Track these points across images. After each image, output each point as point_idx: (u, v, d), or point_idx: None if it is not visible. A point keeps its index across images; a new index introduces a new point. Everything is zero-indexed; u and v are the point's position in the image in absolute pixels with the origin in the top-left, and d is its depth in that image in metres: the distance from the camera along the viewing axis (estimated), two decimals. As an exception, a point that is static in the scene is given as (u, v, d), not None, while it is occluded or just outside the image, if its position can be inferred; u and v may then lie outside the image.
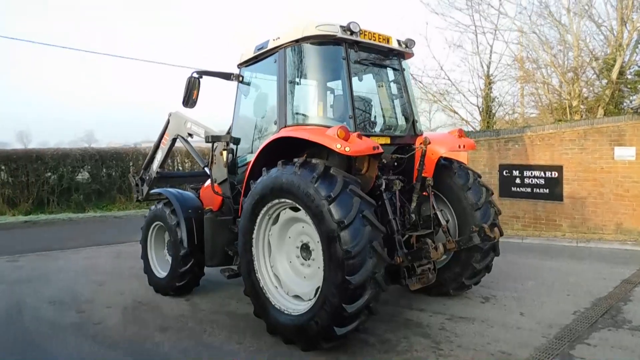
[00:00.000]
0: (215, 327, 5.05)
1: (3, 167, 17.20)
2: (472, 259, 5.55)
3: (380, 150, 4.54)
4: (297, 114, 5.01)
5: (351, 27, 4.94)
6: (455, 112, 13.85)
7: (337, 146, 4.22)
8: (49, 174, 17.79)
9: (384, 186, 4.94)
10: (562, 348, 4.28)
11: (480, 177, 5.86)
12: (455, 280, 5.70)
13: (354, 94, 5.06)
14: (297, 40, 5.01)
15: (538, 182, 9.80)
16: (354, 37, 5.04)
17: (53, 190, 17.05)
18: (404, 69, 5.76)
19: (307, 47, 5.03)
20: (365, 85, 5.79)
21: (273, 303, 4.62)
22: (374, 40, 5.28)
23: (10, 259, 9.26)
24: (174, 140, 7.22)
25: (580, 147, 9.23)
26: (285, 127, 4.93)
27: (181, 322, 5.25)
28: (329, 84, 5.56)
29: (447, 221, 5.53)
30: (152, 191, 7.11)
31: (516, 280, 6.63)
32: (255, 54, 5.56)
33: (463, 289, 5.81)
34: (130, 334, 4.94)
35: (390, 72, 5.78)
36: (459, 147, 5.59)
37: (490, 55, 13.18)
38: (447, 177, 5.70)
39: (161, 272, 6.44)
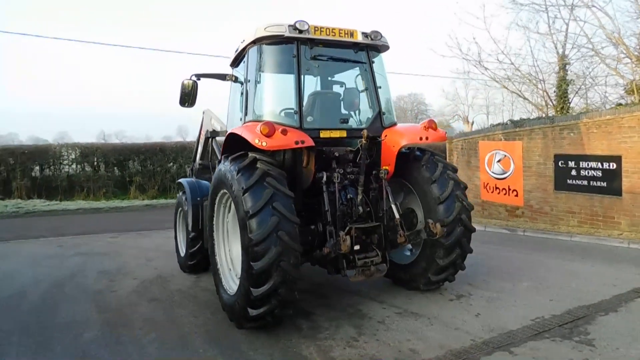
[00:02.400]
0: (190, 302, 5.66)
1: (135, 158, 20.13)
2: (435, 254, 5.34)
3: (306, 144, 4.67)
4: (255, 111, 5.32)
5: (297, 25, 5.10)
6: (524, 98, 12.55)
7: (256, 141, 4.49)
8: (170, 164, 20.36)
9: (325, 179, 5.02)
10: (476, 353, 4.03)
11: (452, 169, 5.56)
12: (422, 275, 5.54)
13: (307, 89, 5.24)
14: (254, 42, 5.32)
15: (595, 174, 8.59)
16: (304, 35, 5.17)
17: (174, 178, 19.36)
18: (372, 62, 5.68)
19: (264, 48, 5.31)
20: (325, 80, 5.86)
21: (223, 283, 5.06)
22: (333, 36, 5.33)
23: (112, 235, 11.09)
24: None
25: (642, 135, 7.88)
26: (245, 123, 5.29)
27: (171, 295, 5.97)
28: (284, 82, 5.72)
29: (401, 214, 5.31)
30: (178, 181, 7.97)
31: (513, 280, 6.15)
32: (235, 55, 5.97)
33: (432, 284, 5.60)
34: (125, 301, 5.77)
35: (355, 66, 5.74)
36: (421, 139, 5.39)
37: (566, 35, 11.65)
38: (416, 170, 5.54)
39: (183, 252, 7.28)
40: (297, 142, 4.61)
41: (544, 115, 11.79)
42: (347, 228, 4.94)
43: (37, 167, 19.00)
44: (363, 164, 5.10)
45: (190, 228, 6.63)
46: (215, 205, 5.23)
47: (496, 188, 10.55)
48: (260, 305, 4.33)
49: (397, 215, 5.18)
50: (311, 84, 5.77)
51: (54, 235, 11.29)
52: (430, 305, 5.30)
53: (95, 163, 19.52)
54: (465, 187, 5.59)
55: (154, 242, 9.96)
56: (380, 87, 5.86)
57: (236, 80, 6.23)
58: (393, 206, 5.25)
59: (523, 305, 5.18)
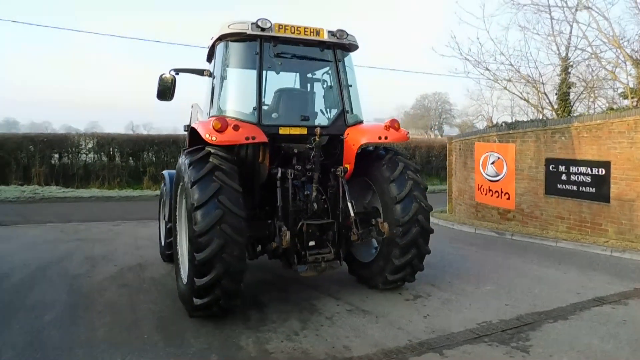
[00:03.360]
0: (156, 290, 5.84)
1: (149, 149, 20.62)
2: (391, 254, 5.36)
3: (257, 140, 4.76)
4: (220, 106, 5.44)
5: (259, 23, 5.19)
6: (525, 100, 12.26)
7: (207, 136, 4.62)
8: (184, 155, 20.75)
9: (279, 175, 5.10)
10: (407, 353, 4.07)
11: (414, 170, 5.52)
12: (380, 274, 5.56)
13: (272, 86, 5.30)
14: (219, 39, 5.43)
15: (584, 179, 8.38)
16: (267, 33, 5.24)
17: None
18: (339, 60, 5.72)
19: (229, 45, 5.43)
20: (289, 77, 5.92)
21: (180, 273, 5.21)
22: (298, 34, 5.39)
23: (115, 223, 11.50)
24: None
25: (631, 140, 7.62)
26: (209, 117, 5.41)
27: (141, 282, 6.17)
28: (247, 78, 5.80)
29: (356, 212, 5.33)
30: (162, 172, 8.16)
31: (478, 283, 6.10)
32: (208, 51, 6.09)
33: (390, 284, 5.59)
34: (96, 286, 5.98)
35: (321, 64, 5.79)
36: (380, 138, 5.40)
37: (570, 37, 11.31)
38: (377, 169, 5.55)
39: (162, 242, 7.48)
40: (247, 138, 4.70)
41: (543, 117, 11.51)
42: (300, 224, 5.02)
43: (57, 155, 19.73)
44: (317, 161, 5.16)
45: (166, 218, 6.81)
46: (178, 197, 5.38)
47: (489, 190, 10.40)
48: (204, 295, 4.45)
49: (352, 213, 5.22)
50: (276, 81, 5.84)
51: (61, 221, 11.73)
52: (384, 304, 5.32)
53: (111, 153, 20.10)
54: (425, 188, 5.55)
55: (150, 231, 10.20)
56: (350, 86, 5.90)
57: (210, 75, 6.36)
58: (349, 204, 5.29)
59: (476, 309, 5.15)
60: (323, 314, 5.02)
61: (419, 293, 5.71)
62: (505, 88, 12.16)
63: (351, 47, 5.91)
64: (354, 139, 5.49)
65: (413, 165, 5.63)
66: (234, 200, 4.46)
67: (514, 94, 12.51)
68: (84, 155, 19.99)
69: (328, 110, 5.79)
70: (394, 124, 5.51)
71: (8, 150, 18.77)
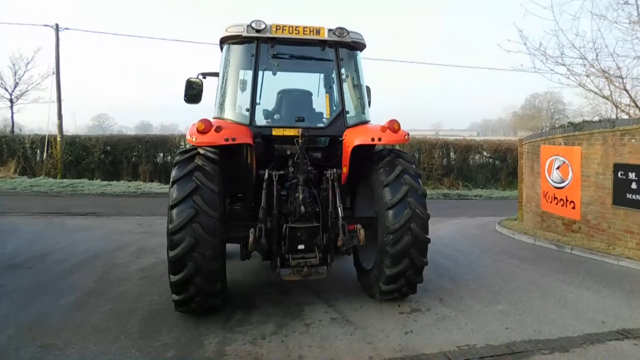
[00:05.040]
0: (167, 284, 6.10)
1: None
2: (383, 263, 5.01)
3: (238, 142, 4.73)
4: (220, 107, 5.55)
5: (253, 25, 5.18)
6: (604, 97, 10.54)
7: (188, 137, 4.73)
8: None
9: (266, 176, 5.04)
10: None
11: (413, 174, 5.08)
12: (376, 284, 5.23)
13: (273, 87, 5.25)
14: (221, 42, 5.53)
15: (658, 189, 7.00)
16: (264, 34, 5.21)
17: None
18: (340, 59, 5.49)
19: (230, 47, 5.51)
20: (293, 78, 5.79)
21: None
22: (297, 34, 5.29)
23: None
24: None
25: None
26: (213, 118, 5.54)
27: (161, 275, 6.43)
28: (245, 80, 5.78)
29: (346, 217, 5.04)
30: None
31: (491, 301, 5.50)
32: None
33: (385, 294, 5.21)
34: (124, 276, 6.43)
35: (322, 64, 5.59)
36: (373, 139, 5.07)
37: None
38: (374, 172, 5.23)
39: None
40: (226, 139, 4.70)
41: (630, 117, 9.85)
42: (284, 227, 4.91)
43: (161, 154, 21.71)
44: (301, 163, 5.00)
45: None
46: None
47: (554, 198, 9.20)
48: (180, 291, 4.55)
49: (340, 218, 4.97)
50: (281, 82, 5.79)
51: (146, 215, 12.75)
52: (374, 315, 5.01)
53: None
54: (424, 195, 5.07)
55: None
56: (357, 85, 5.66)
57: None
58: (339, 208, 5.04)
59: (469, 330, 4.61)
60: (304, 320, 4.86)
61: (419, 307, 5.27)
62: (580, 84, 10.65)
63: (357, 45, 5.64)
64: (350, 141, 5.24)
65: (413, 169, 5.19)
66: (209, 200, 4.49)
67: (590, 90, 10.93)
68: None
69: (327, 111, 5.59)
70: (392, 125, 5.14)
71: (120, 150, 21.16)
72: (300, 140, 4.89)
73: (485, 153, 24.72)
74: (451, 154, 24.39)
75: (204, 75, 6.56)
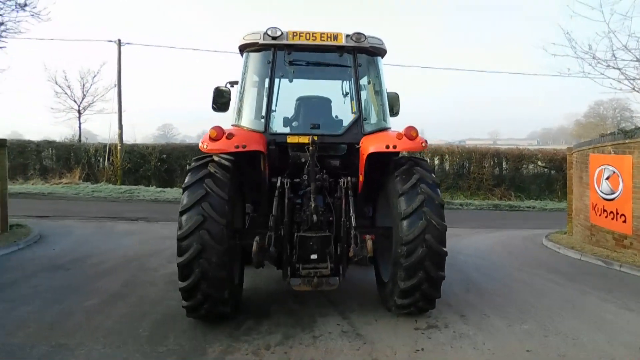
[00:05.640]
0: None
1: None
2: (397, 275, 4.78)
3: (248, 149, 4.70)
4: (238, 114, 5.57)
5: (269, 32, 5.16)
6: None
7: (201, 144, 4.76)
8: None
9: (278, 184, 4.96)
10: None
11: (430, 183, 4.82)
12: (391, 297, 4.99)
13: (290, 94, 5.26)
14: (240, 50, 5.57)
15: None
16: (281, 41, 5.18)
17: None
18: (359, 65, 5.35)
19: (249, 55, 5.53)
20: (313, 85, 5.69)
21: None
22: (313, 40, 5.22)
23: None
24: None
25: None
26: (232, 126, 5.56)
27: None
28: (262, 87, 5.73)
29: (357, 227, 4.83)
30: None
31: (518, 321, 5.08)
32: None
33: (401, 309, 4.95)
34: (151, 280, 6.59)
35: (340, 70, 5.48)
36: (387, 147, 4.87)
37: None
38: (391, 180, 5.02)
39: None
40: (237, 147, 4.68)
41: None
42: (295, 236, 4.80)
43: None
44: (312, 171, 4.88)
45: None
46: None
47: (604, 210, 8.45)
48: (188, 297, 4.56)
49: (353, 228, 4.79)
50: (296, 89, 5.72)
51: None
52: (387, 330, 4.77)
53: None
54: (442, 205, 4.78)
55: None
56: (378, 92, 5.50)
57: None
58: (352, 218, 4.87)
59: (486, 350, 4.28)
60: (313, 332, 4.72)
61: (437, 322, 4.96)
62: (634, 89, 9.72)
63: (377, 50, 5.48)
64: (366, 148, 5.07)
65: (432, 177, 4.92)
66: (217, 207, 4.48)
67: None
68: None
69: (345, 117, 5.45)
70: (409, 132, 4.93)
71: (174, 158, 22.03)
72: (311, 148, 4.79)
73: (539, 163, 23.40)
74: (503, 163, 23.31)
75: (232, 83, 6.64)
